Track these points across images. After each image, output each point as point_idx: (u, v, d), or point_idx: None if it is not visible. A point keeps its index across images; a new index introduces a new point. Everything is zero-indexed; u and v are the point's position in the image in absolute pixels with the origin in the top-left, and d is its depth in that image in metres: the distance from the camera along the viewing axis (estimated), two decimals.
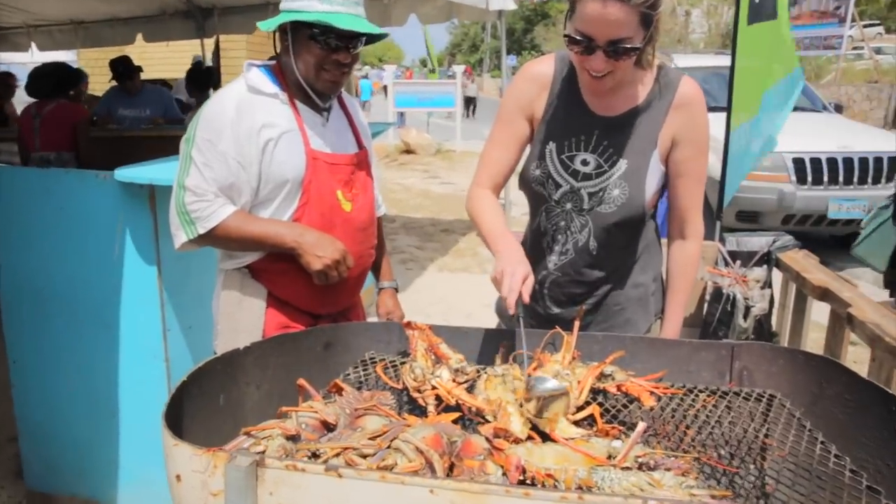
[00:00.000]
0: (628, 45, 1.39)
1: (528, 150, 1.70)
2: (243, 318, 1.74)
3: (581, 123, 1.60)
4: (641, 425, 1.13)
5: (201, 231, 1.61)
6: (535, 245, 1.71)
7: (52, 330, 2.32)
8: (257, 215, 1.69)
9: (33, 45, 7.40)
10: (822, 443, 1.16)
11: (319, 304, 1.78)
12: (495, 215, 1.61)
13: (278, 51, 1.73)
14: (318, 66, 1.63)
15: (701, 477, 1.13)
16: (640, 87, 1.58)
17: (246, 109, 1.62)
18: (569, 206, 1.63)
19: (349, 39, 1.63)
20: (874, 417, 1.16)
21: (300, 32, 1.62)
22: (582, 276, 1.68)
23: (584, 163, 1.61)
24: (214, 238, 1.64)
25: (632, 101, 1.58)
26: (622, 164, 1.59)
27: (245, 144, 1.61)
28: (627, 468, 1.04)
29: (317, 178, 1.68)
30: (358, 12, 1.63)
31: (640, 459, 1.07)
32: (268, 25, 1.66)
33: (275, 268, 1.72)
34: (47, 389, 2.39)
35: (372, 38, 1.70)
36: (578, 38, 1.41)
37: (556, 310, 1.72)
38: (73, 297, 2.25)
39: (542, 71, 1.64)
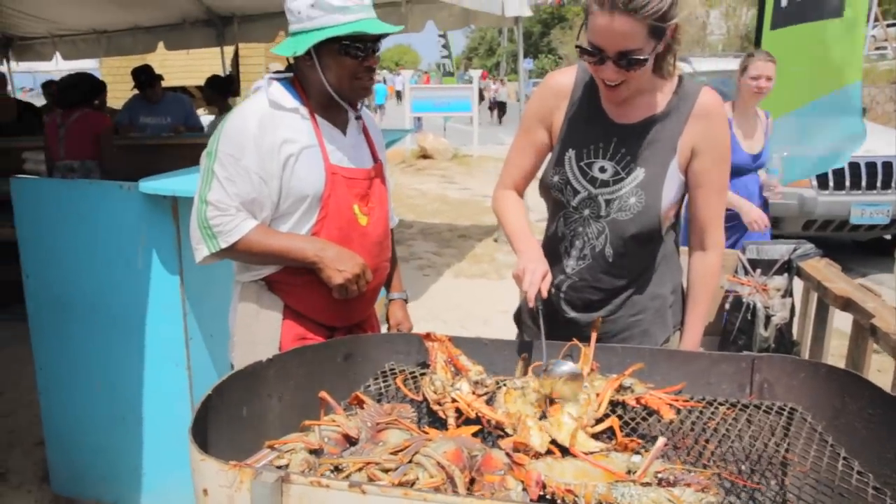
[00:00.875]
0: (637, 57, 1.42)
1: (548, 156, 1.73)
2: (260, 330, 1.75)
3: (600, 131, 1.62)
4: (661, 440, 1.13)
5: (223, 245, 1.63)
6: (553, 249, 1.72)
7: (76, 338, 2.36)
8: (277, 229, 1.71)
9: (57, 54, 7.54)
10: (844, 458, 1.15)
11: (335, 316, 1.80)
12: (518, 215, 1.73)
13: (295, 66, 1.73)
14: (352, 76, 1.65)
15: (721, 492, 1.13)
16: (660, 95, 1.60)
17: (268, 125, 1.64)
18: (586, 212, 1.65)
19: (374, 43, 1.66)
20: None
21: (326, 47, 1.62)
22: (599, 283, 1.69)
23: (602, 170, 1.62)
24: (236, 252, 1.66)
25: (650, 110, 1.60)
26: (640, 173, 1.60)
27: (267, 159, 1.63)
28: (647, 483, 1.04)
29: (335, 192, 1.70)
30: (374, 14, 1.66)
31: (659, 475, 1.07)
32: (292, 50, 1.64)
33: (291, 280, 1.73)
34: (72, 396, 2.44)
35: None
36: (590, 49, 1.45)
37: (571, 314, 1.73)
38: (98, 305, 2.29)
39: (562, 82, 1.68)
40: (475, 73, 15.98)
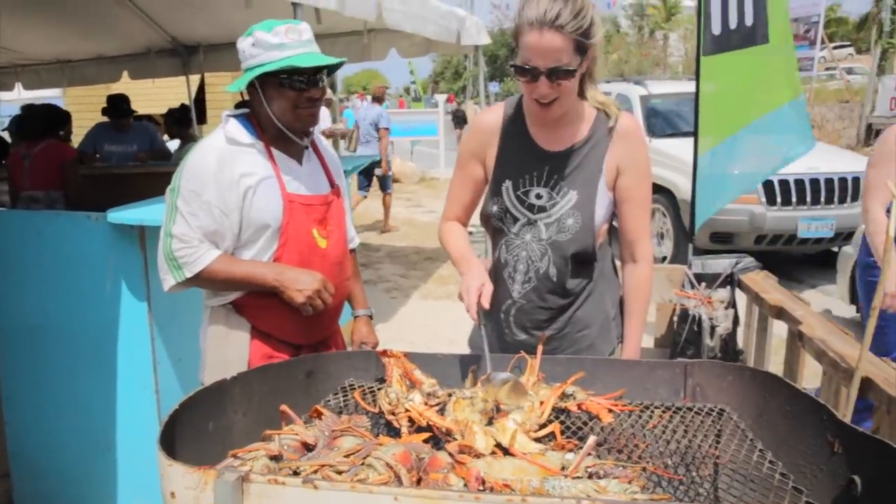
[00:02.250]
0: (567, 69, 1.55)
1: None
2: (230, 351, 1.85)
3: (532, 160, 1.75)
4: (592, 438, 1.24)
5: (188, 275, 1.75)
6: (498, 276, 1.81)
7: (45, 367, 2.40)
8: (240, 257, 1.82)
9: (18, 84, 7.50)
10: (760, 451, 1.27)
11: (300, 334, 1.90)
12: (460, 242, 1.82)
13: (249, 102, 1.85)
14: (294, 107, 1.77)
15: (649, 485, 1.24)
16: (584, 123, 1.74)
17: (226, 160, 1.75)
18: (528, 237, 1.76)
19: (314, 75, 1.77)
20: (810, 426, 1.26)
21: (268, 83, 1.76)
22: (545, 303, 1.79)
23: (538, 196, 1.74)
24: (201, 280, 1.77)
25: (576, 137, 1.74)
26: (573, 195, 1.72)
27: (227, 193, 1.74)
28: (578, 477, 1.15)
29: (294, 219, 1.81)
30: (313, 49, 1.78)
31: (590, 469, 1.17)
32: (237, 87, 1.79)
33: (257, 303, 1.83)
34: (40, 425, 2.47)
35: (333, 68, 1.85)
36: (524, 67, 1.57)
37: (521, 336, 1.82)
38: (66, 334, 2.34)
39: (491, 119, 1.81)
40: (441, 98, 16.25)
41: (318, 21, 3.72)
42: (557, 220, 1.73)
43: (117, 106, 5.65)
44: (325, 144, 2.08)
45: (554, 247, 1.74)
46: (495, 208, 1.78)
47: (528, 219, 1.75)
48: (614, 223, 1.85)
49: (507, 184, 1.76)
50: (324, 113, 9.07)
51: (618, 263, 1.92)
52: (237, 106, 1.91)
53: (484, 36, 5.74)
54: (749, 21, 3.18)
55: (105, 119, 5.83)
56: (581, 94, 1.71)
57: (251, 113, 1.86)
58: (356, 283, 2.17)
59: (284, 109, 1.77)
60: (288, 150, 1.86)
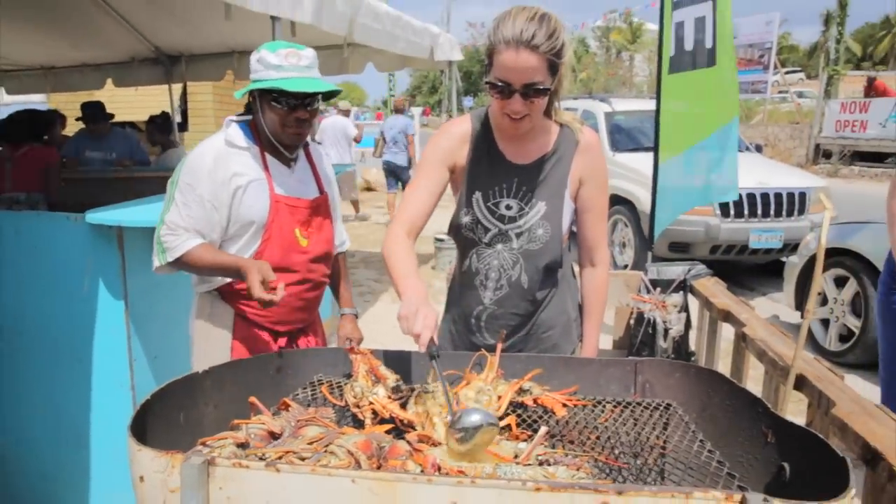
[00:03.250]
0: (540, 87, 1.61)
1: (453, 198, 1.90)
2: (215, 332, 2.02)
3: (501, 173, 1.81)
4: (543, 429, 1.31)
5: (170, 259, 1.91)
6: (467, 284, 1.88)
7: (20, 364, 2.43)
8: (227, 249, 1.98)
9: (2, 89, 7.49)
10: (700, 441, 1.36)
11: (281, 321, 2.06)
12: (406, 259, 1.66)
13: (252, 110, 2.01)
14: (281, 123, 1.92)
15: (597, 473, 1.32)
16: (549, 136, 1.81)
17: (222, 160, 1.92)
18: (499, 246, 1.82)
19: (304, 98, 1.91)
20: (747, 419, 1.35)
21: (263, 98, 1.92)
22: (516, 309, 1.86)
23: (508, 207, 1.81)
24: (182, 264, 1.92)
25: (543, 150, 1.81)
26: (541, 206, 1.79)
27: (219, 190, 1.91)
28: (529, 465, 1.22)
29: (278, 218, 1.98)
30: (310, 74, 1.92)
31: (540, 458, 1.25)
32: (240, 94, 1.96)
33: (240, 289, 1.96)
34: (15, 423, 2.49)
35: (331, 93, 1.98)
36: (499, 84, 1.63)
37: (492, 340, 1.86)
38: (43, 332, 2.38)
39: (462, 128, 1.84)
40: (416, 110, 16.48)
41: (293, 34, 3.80)
42: (528, 230, 1.79)
43: (91, 112, 5.65)
44: (321, 155, 2.23)
45: (526, 256, 1.81)
46: (467, 219, 1.82)
47: (499, 229, 1.81)
48: (573, 228, 1.92)
49: (478, 195, 1.81)
50: (344, 123, 9.91)
51: (576, 268, 2.01)
52: (243, 113, 2.09)
53: (457, 52, 5.87)
54: (707, 43, 3.36)
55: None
56: (547, 112, 1.77)
57: (252, 121, 2.02)
58: (344, 284, 2.33)
59: (274, 123, 1.93)
60: (280, 156, 2.02)
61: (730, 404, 1.44)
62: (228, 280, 1.99)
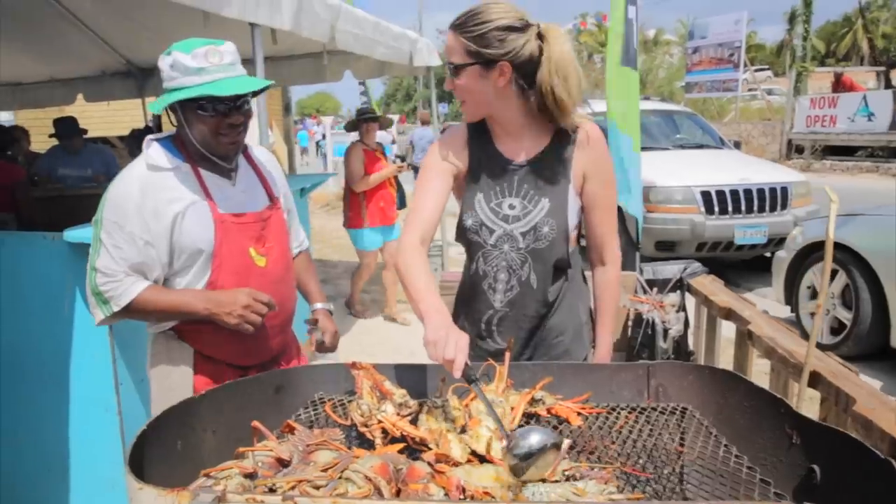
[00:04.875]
0: (456, 64, 1.67)
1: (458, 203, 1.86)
2: (175, 380, 1.81)
3: (500, 173, 1.79)
4: (566, 442, 1.26)
5: (116, 309, 1.70)
6: (476, 287, 1.84)
7: (1, 390, 2.32)
8: (173, 285, 1.77)
9: None
10: (725, 446, 1.31)
11: (244, 355, 1.86)
12: (424, 274, 1.62)
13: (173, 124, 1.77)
14: (214, 132, 1.70)
15: (622, 485, 1.26)
16: (546, 133, 1.78)
17: (149, 188, 1.69)
18: (506, 247, 1.78)
19: (236, 100, 1.70)
20: (768, 420, 1.31)
21: (187, 106, 1.68)
22: (527, 310, 1.82)
23: (511, 207, 1.77)
24: (131, 312, 1.72)
25: (540, 146, 1.78)
26: (545, 203, 1.76)
27: (152, 223, 1.68)
28: (556, 481, 1.16)
29: (227, 239, 1.76)
30: (237, 72, 1.70)
31: (566, 472, 1.19)
32: (155, 107, 1.72)
33: (196, 328, 1.79)
34: None
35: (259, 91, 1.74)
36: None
37: (503, 344, 1.82)
38: (24, 355, 2.28)
39: (460, 133, 1.84)
40: (394, 118, 16.51)
41: (274, 41, 3.71)
42: (533, 229, 1.76)
43: (64, 128, 5.50)
44: (263, 155, 2.00)
45: (534, 255, 1.78)
46: (470, 221, 1.80)
47: (503, 229, 1.78)
48: (582, 231, 1.88)
49: (479, 196, 1.79)
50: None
51: (587, 274, 1.96)
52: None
53: (435, 57, 5.83)
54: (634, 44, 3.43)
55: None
56: (544, 109, 1.71)
57: (177, 135, 1.78)
58: (311, 280, 2.12)
59: (205, 135, 1.71)
60: (217, 170, 1.80)
61: (748, 405, 1.40)
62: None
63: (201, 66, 1.63)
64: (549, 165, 1.77)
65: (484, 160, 1.80)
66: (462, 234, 1.84)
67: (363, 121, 5.31)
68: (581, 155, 1.78)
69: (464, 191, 1.82)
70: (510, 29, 1.62)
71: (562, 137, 1.78)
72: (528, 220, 1.76)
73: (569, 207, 1.78)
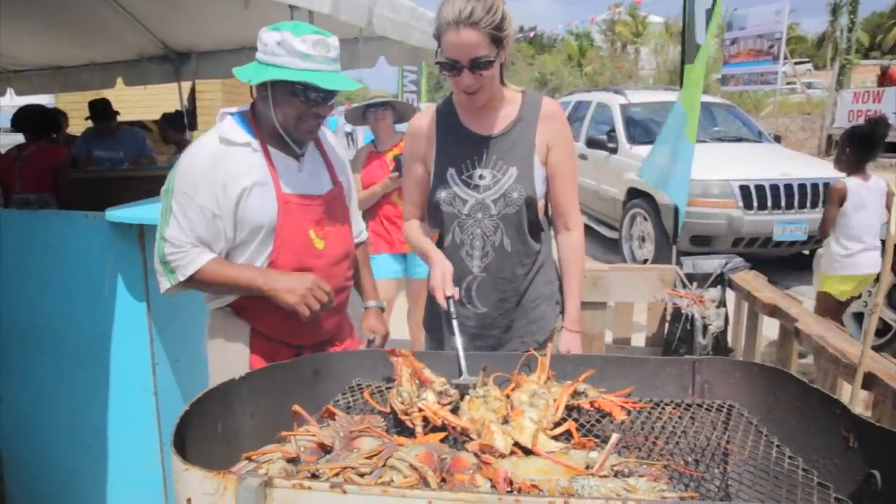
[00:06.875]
0: (485, 60, 1.71)
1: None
2: (231, 355, 1.84)
3: (470, 146, 1.90)
4: (615, 436, 1.22)
5: (181, 279, 1.73)
6: (455, 256, 1.93)
7: (39, 369, 2.35)
8: (234, 259, 1.79)
9: (10, 89, 7.41)
10: (777, 446, 1.27)
11: (299, 335, 1.87)
12: (425, 237, 1.99)
13: (254, 97, 1.80)
14: (298, 118, 1.74)
15: (671, 482, 1.22)
16: (511, 107, 1.92)
17: (220, 162, 1.71)
18: (479, 215, 1.90)
19: (327, 94, 1.74)
20: (822, 421, 1.26)
21: (281, 86, 1.70)
22: (503, 273, 1.93)
23: (482, 177, 1.89)
24: (194, 283, 1.75)
25: (507, 119, 1.91)
26: (513, 171, 1.87)
27: (220, 196, 1.71)
28: (605, 476, 1.13)
29: (289, 220, 1.78)
30: (336, 68, 1.74)
31: (615, 468, 1.16)
32: (248, 77, 1.71)
33: (254, 305, 1.80)
34: (35, 428, 2.42)
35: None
36: (448, 62, 1.73)
37: (483, 308, 1.95)
38: (63, 334, 2.29)
39: (424, 122, 1.98)
40: (423, 106, 16.42)
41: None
42: (504, 195, 1.87)
43: (97, 109, 5.58)
44: (329, 140, 2.03)
45: (505, 220, 1.88)
46: (444, 194, 1.91)
47: (475, 199, 1.89)
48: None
49: (451, 171, 1.90)
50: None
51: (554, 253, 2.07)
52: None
53: None
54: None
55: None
56: (501, 80, 1.87)
57: (250, 109, 1.81)
58: (366, 276, 2.18)
59: (288, 117, 1.73)
60: (286, 149, 1.82)
61: (800, 405, 1.36)
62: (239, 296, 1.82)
63: (309, 52, 1.67)
64: (516, 136, 1.89)
65: (452, 138, 1.92)
66: (435, 207, 1.93)
67: (371, 107, 3.79)
68: (545, 127, 1.90)
69: (433, 168, 1.94)
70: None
71: (528, 108, 1.90)
72: (499, 188, 1.87)
73: (535, 175, 1.88)
